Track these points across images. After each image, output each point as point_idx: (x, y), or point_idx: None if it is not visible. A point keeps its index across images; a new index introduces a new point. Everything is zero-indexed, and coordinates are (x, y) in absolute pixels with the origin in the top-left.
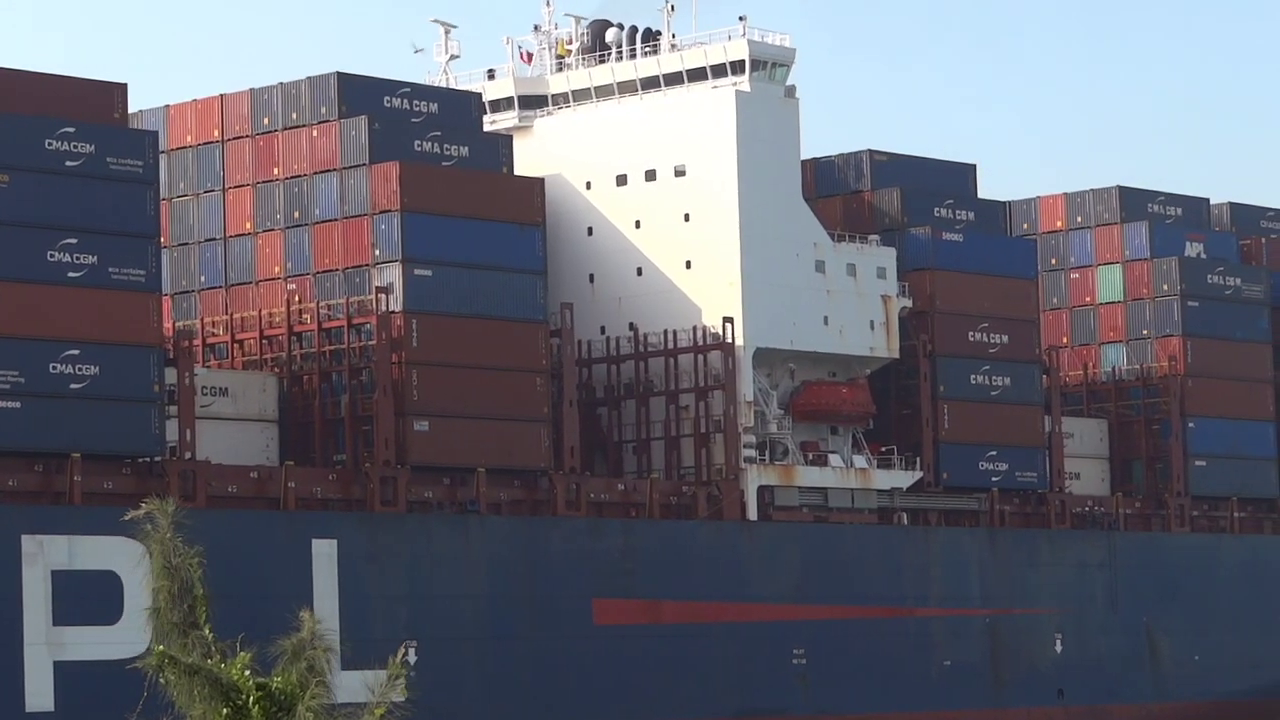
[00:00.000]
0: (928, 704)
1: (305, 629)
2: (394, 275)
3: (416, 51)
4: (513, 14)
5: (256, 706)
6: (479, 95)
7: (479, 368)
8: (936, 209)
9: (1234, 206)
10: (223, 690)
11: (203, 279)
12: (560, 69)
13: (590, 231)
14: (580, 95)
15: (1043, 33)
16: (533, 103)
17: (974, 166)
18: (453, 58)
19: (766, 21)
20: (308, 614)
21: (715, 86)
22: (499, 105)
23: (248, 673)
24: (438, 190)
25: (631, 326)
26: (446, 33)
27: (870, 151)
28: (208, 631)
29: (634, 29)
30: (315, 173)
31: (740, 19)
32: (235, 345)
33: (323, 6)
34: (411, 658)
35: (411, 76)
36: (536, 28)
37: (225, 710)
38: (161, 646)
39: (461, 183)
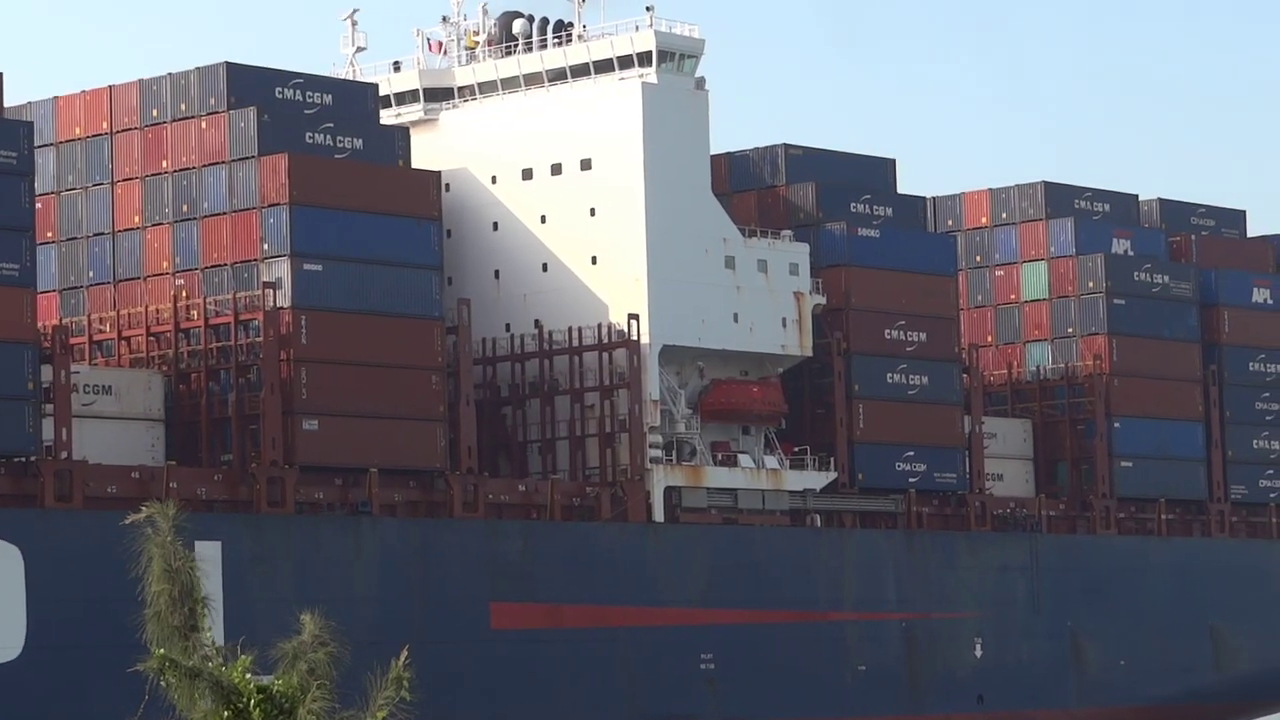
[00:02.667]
0: (842, 710)
1: (306, 632)
2: (282, 270)
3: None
4: (425, 4)
5: (258, 709)
6: (375, 87)
7: (371, 365)
8: (853, 204)
9: (1164, 203)
10: (224, 693)
11: (91, 274)
12: (471, 61)
13: (496, 227)
14: (486, 88)
15: (970, 27)
16: (438, 95)
17: (893, 161)
18: (359, 49)
19: (682, 13)
20: (309, 617)
21: (622, 78)
22: (404, 98)
23: (249, 676)
24: (329, 183)
25: (537, 324)
26: (353, 24)
27: (785, 146)
28: (208, 634)
29: (545, 20)
30: (204, 165)
31: (647, 9)
32: (123, 342)
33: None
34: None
35: (316, 68)
36: (445, 19)
37: (226, 713)
38: (162, 650)
39: (355, 176)
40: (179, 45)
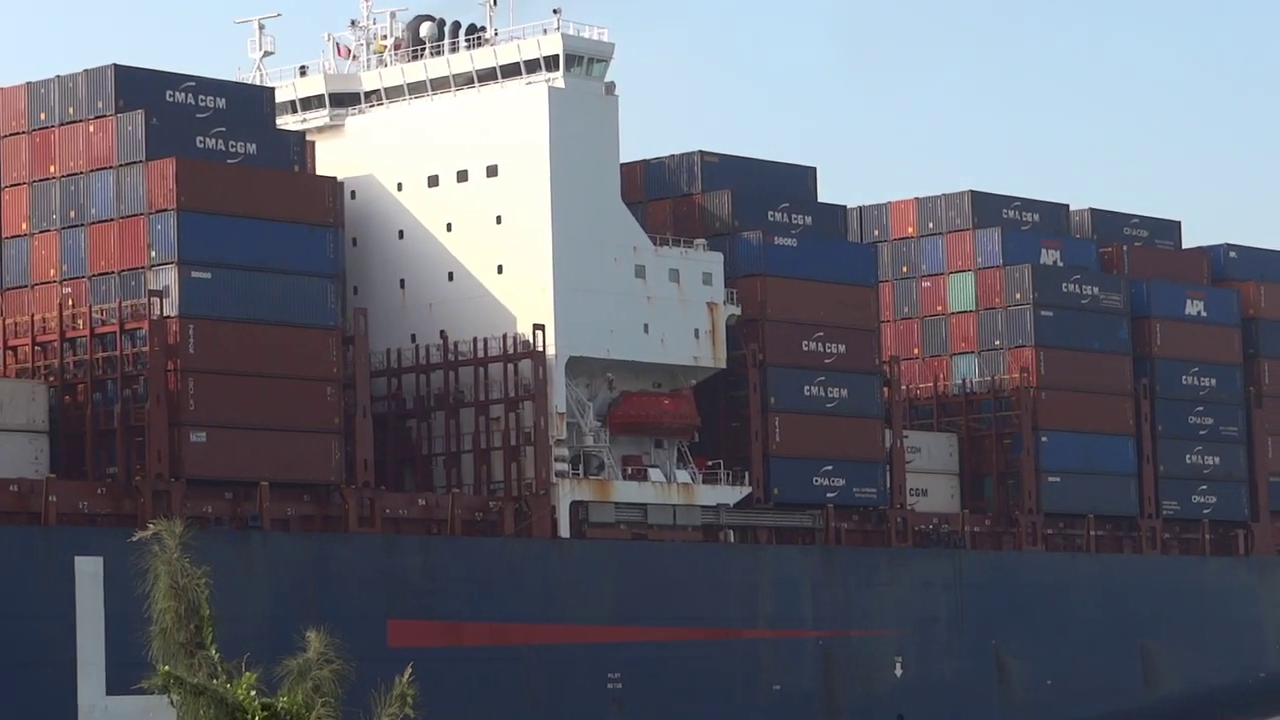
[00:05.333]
0: None
1: (312, 649)
2: (169, 278)
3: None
4: (339, 10)
5: None
6: (271, 91)
7: (263, 376)
8: (771, 213)
9: (1095, 213)
10: (229, 710)
11: None
12: (378, 66)
13: (401, 235)
14: (393, 93)
15: (902, 33)
16: (344, 100)
17: (814, 170)
18: (266, 54)
19: (602, 19)
20: (315, 635)
21: (529, 83)
22: (309, 103)
23: (253, 693)
24: (220, 189)
25: (442, 334)
26: (260, 28)
27: (701, 152)
28: (214, 652)
29: (456, 25)
30: (92, 170)
31: (555, 12)
32: (9, 352)
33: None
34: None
35: (223, 72)
36: (354, 23)
37: None
38: (167, 667)
39: (247, 181)
40: (87, 49)
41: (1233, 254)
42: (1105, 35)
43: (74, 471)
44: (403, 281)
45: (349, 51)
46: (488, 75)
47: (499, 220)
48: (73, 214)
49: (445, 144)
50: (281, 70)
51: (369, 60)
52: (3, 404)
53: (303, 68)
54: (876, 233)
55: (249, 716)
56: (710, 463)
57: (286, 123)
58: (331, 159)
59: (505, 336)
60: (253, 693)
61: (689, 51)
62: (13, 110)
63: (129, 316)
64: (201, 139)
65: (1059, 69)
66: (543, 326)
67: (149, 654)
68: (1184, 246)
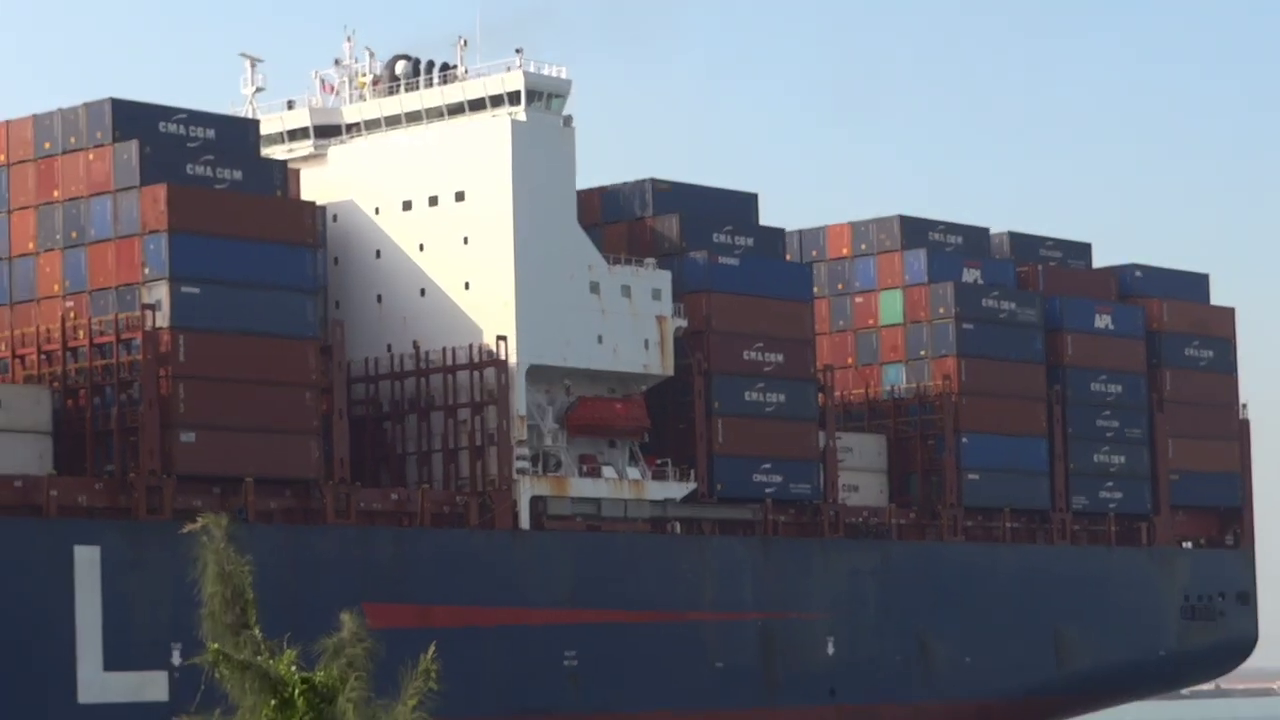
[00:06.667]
0: (699, 704)
1: (346, 629)
2: (161, 293)
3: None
4: (326, 47)
5: (302, 699)
6: (257, 123)
7: (247, 382)
8: (716, 235)
9: (1013, 236)
10: (271, 684)
11: None
12: (358, 100)
13: (378, 254)
14: (372, 125)
15: (843, 76)
16: (328, 132)
17: (755, 196)
18: (258, 90)
19: (586, 62)
20: (349, 615)
21: (494, 116)
22: (295, 134)
23: (294, 668)
24: (208, 211)
25: (415, 344)
26: (252, 65)
27: (653, 180)
28: (257, 631)
29: (430, 63)
30: (91, 195)
31: (517, 51)
32: (16, 360)
33: (145, 36)
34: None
35: (219, 106)
36: (337, 61)
37: (273, 702)
38: (216, 645)
39: (233, 205)
40: (101, 81)
41: (1139, 273)
42: (1023, 73)
43: (75, 469)
44: (380, 297)
45: (333, 88)
46: (456, 109)
47: (466, 241)
48: (74, 235)
49: (418, 171)
50: (271, 104)
51: (350, 95)
52: (10, 407)
53: (290, 102)
54: (814, 253)
55: (290, 689)
56: (659, 461)
57: (275, 152)
58: (315, 185)
59: (472, 346)
60: (293, 668)
61: (646, 87)
62: (19, 140)
63: (125, 328)
64: (192, 166)
65: (982, 105)
66: (505, 337)
67: (199, 634)
68: (1094, 266)
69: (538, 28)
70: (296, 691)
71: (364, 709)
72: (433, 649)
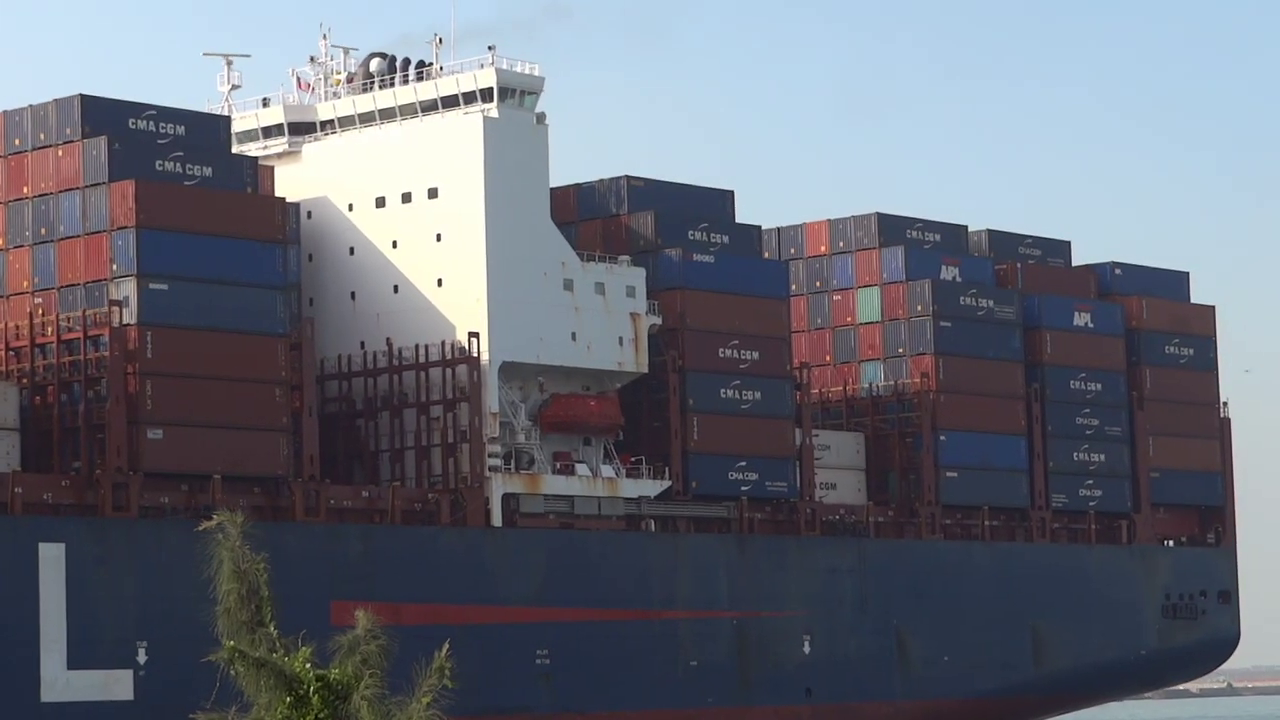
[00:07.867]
0: (674, 702)
1: (360, 627)
2: (129, 289)
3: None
4: (302, 45)
5: (316, 695)
6: (228, 119)
7: (215, 378)
8: (691, 232)
9: (992, 233)
10: (286, 681)
11: None
12: (332, 97)
13: (352, 251)
14: (346, 122)
15: (817, 68)
16: (302, 129)
17: (732, 193)
18: (234, 87)
19: (562, 59)
20: (363, 613)
21: (466, 113)
22: (270, 131)
23: (308, 665)
24: (177, 208)
25: (388, 341)
26: (229, 64)
27: (628, 177)
28: (272, 629)
29: (406, 60)
30: (60, 191)
31: (489, 48)
32: None
33: (128, 36)
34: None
35: (197, 104)
36: (313, 59)
37: (288, 699)
38: (232, 642)
39: (202, 201)
40: (71, 83)
41: (1118, 271)
42: (1003, 72)
43: (42, 465)
44: (353, 294)
45: (309, 85)
46: (430, 106)
47: (439, 238)
48: (43, 231)
49: (391, 168)
50: (247, 102)
51: (326, 93)
52: None
53: (265, 99)
54: (792, 251)
55: (305, 686)
56: (633, 459)
57: (250, 149)
58: (290, 182)
59: (444, 343)
60: (308, 665)
61: (623, 85)
62: None
63: (92, 324)
64: (161, 162)
65: (960, 103)
66: (478, 334)
67: (215, 631)
68: (1073, 264)
69: (539, 28)
70: (311, 689)
71: (378, 706)
72: (446, 647)
